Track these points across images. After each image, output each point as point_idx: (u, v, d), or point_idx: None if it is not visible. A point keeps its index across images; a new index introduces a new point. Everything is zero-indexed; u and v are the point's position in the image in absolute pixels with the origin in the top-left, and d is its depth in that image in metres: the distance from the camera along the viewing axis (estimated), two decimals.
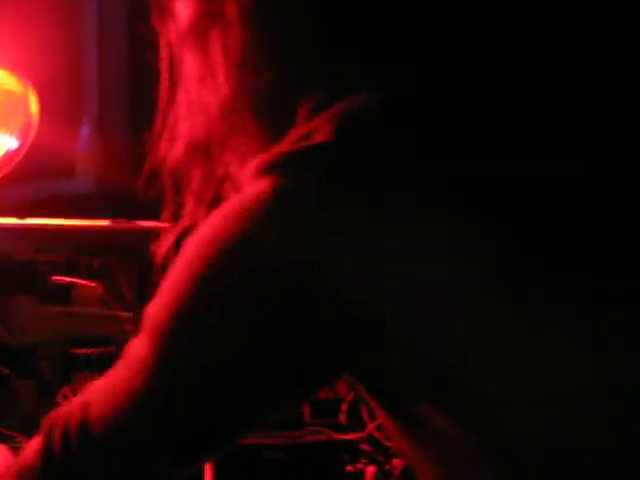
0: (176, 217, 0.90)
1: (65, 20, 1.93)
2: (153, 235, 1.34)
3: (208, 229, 0.69)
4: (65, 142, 1.98)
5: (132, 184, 2.07)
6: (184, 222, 0.86)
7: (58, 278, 1.30)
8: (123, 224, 1.34)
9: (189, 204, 0.84)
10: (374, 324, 0.65)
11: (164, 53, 0.84)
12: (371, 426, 1.32)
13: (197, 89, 0.80)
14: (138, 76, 1.95)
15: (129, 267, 1.35)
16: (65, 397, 1.33)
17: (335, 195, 0.66)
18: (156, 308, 0.70)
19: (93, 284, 1.32)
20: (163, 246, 0.90)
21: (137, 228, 1.34)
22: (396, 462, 1.30)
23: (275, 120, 0.75)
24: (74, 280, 1.30)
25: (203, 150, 0.81)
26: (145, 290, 1.37)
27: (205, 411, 0.69)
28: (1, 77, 1.32)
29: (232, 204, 0.69)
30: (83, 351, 1.35)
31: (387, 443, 1.29)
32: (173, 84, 0.83)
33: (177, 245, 0.89)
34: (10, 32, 1.65)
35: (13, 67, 1.30)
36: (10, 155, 1.35)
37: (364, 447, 1.33)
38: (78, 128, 1.97)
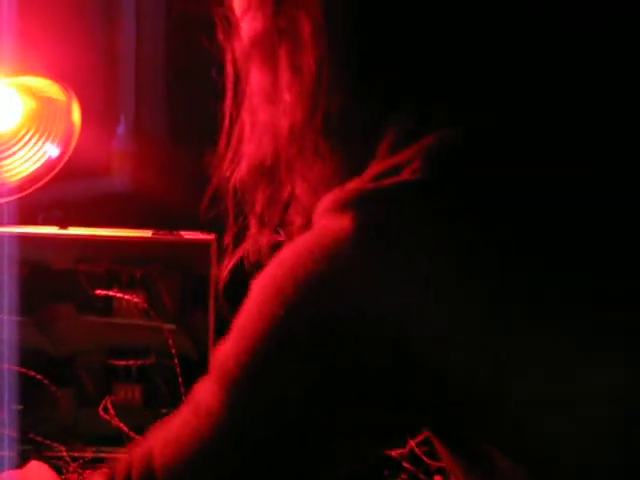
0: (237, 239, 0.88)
1: (103, 17, 1.91)
2: (196, 246, 1.33)
3: (281, 268, 0.65)
4: (101, 141, 1.97)
5: (168, 185, 2.05)
6: (247, 245, 0.84)
7: (100, 291, 1.29)
8: (166, 235, 1.32)
9: (252, 227, 0.82)
10: (444, 376, 0.63)
11: (229, 70, 0.81)
12: (412, 443, 1.30)
13: (264, 109, 0.77)
14: (175, 74, 1.94)
15: (171, 278, 1.34)
16: (106, 409, 1.33)
17: (425, 239, 0.62)
18: (226, 353, 0.67)
19: (134, 297, 1.30)
20: (225, 269, 0.88)
21: (180, 239, 1.33)
22: (437, 479, 1.29)
23: (349, 145, 0.72)
24: (115, 294, 1.28)
25: (269, 172, 0.78)
26: (187, 302, 1.36)
27: (276, 461, 0.66)
28: (44, 85, 1.31)
29: (307, 241, 0.65)
30: (123, 362, 1.34)
31: (429, 460, 1.27)
32: (238, 102, 0.80)
33: (238, 268, 0.87)
34: (47, 30, 1.64)
35: (57, 75, 1.29)
36: (51, 163, 1.34)
37: (405, 464, 1.32)
38: (114, 127, 1.96)
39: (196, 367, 1.35)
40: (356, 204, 0.64)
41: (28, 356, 1.33)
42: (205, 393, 0.67)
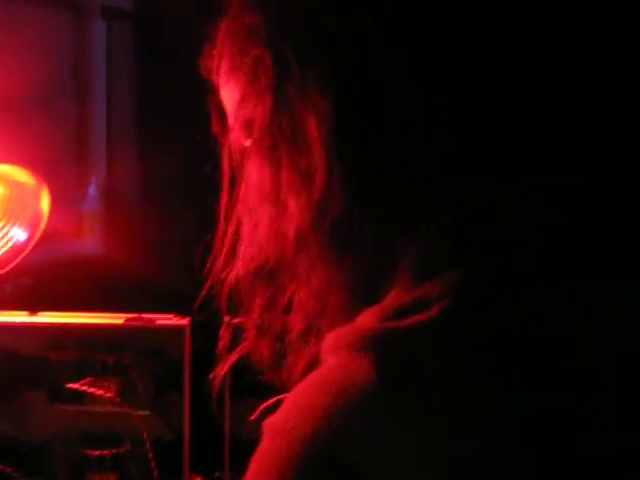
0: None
1: (74, 82, 1.89)
2: (170, 331, 1.30)
3: (300, 419, 0.58)
4: (71, 203, 1.94)
5: (139, 248, 2.01)
6: (242, 350, 0.79)
7: (71, 385, 1.25)
8: (139, 321, 1.29)
9: (249, 333, 0.77)
10: None
11: (225, 164, 0.75)
12: None
13: (265, 210, 0.71)
14: (146, 136, 1.92)
15: (145, 364, 1.30)
16: None
17: (450, 403, 0.56)
18: None
19: (107, 388, 1.27)
20: (219, 375, 0.83)
21: (153, 325, 1.29)
22: None
23: (358, 254, 0.66)
24: (87, 389, 1.25)
25: (269, 276, 0.73)
26: (162, 386, 1.33)
27: None
28: (12, 171, 1.28)
29: (326, 388, 0.58)
30: (97, 451, 1.30)
31: None
32: (233, 200, 0.75)
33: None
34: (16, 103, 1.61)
35: (26, 164, 1.26)
36: (18, 247, 1.31)
37: None
38: (84, 189, 1.93)
39: (171, 452, 1.32)
40: (380, 346, 0.58)
41: None
42: None
